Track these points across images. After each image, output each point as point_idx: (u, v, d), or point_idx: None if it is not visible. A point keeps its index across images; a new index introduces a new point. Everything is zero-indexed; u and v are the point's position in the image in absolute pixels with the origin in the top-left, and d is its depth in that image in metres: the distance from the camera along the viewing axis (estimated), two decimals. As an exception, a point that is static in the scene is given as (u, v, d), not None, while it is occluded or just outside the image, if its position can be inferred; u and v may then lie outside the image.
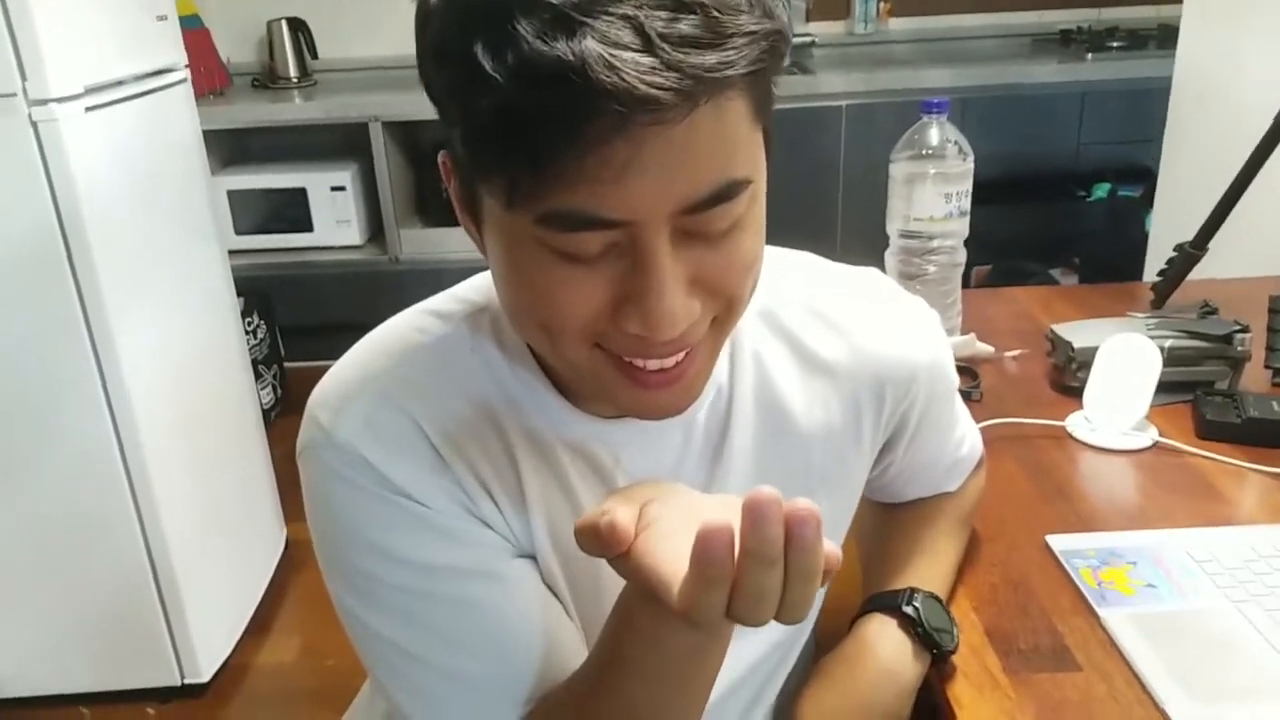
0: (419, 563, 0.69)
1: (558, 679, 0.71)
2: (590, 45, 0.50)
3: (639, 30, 0.51)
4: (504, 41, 0.51)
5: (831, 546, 0.53)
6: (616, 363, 0.63)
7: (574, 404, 0.72)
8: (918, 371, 0.81)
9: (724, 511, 0.52)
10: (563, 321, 0.60)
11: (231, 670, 2.12)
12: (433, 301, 0.75)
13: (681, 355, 0.63)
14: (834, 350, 0.78)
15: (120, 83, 1.85)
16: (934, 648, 0.83)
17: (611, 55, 0.50)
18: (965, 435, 0.94)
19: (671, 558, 0.54)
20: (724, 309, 0.63)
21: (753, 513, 0.50)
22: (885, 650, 0.83)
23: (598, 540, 0.55)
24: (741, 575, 0.51)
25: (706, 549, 0.50)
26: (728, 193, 0.57)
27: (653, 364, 0.62)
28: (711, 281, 0.60)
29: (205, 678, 2.04)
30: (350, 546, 0.69)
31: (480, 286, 0.75)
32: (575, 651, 0.72)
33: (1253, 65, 1.78)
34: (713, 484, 0.76)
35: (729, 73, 0.52)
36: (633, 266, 0.57)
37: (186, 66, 2.12)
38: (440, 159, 0.64)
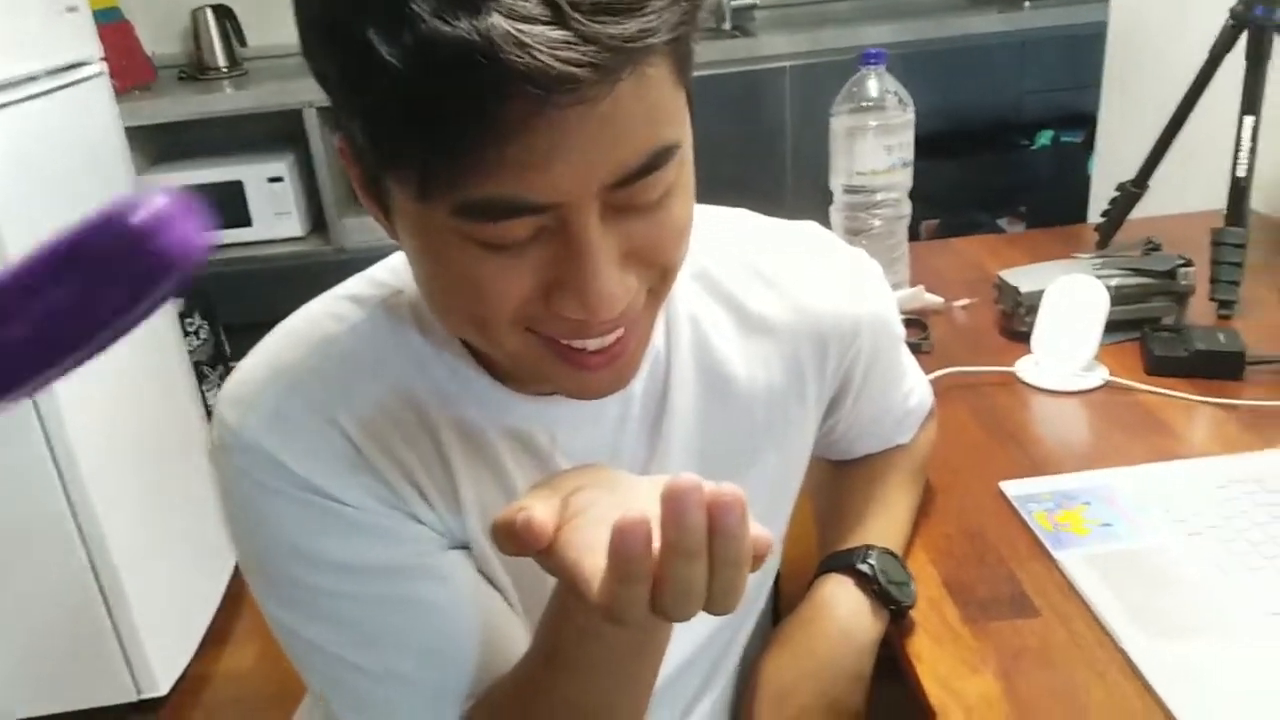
0: (344, 564, 0.65)
1: (501, 671, 0.68)
2: (495, 21, 0.46)
3: None
4: (399, 20, 0.46)
5: (760, 531, 0.50)
6: (553, 346, 0.59)
7: (504, 384, 0.68)
8: (861, 325, 0.78)
9: (657, 497, 0.48)
10: (492, 313, 0.57)
11: (191, 681, 2.07)
12: (347, 285, 0.71)
13: (620, 331, 0.60)
14: (773, 308, 0.76)
15: (32, 78, 1.78)
16: (892, 604, 0.81)
17: (519, 31, 0.46)
18: (914, 387, 0.92)
19: (596, 550, 0.50)
20: (659, 278, 0.60)
21: (672, 502, 0.47)
22: (842, 610, 0.81)
23: (514, 539, 0.51)
24: (663, 568, 0.48)
25: (622, 544, 0.47)
26: (657, 161, 0.53)
27: (592, 344, 0.59)
28: (646, 252, 0.57)
29: (163, 690, 1.98)
30: (270, 552, 0.66)
31: (396, 267, 0.71)
32: (517, 640, 0.69)
33: (1186, 5, 1.77)
34: (654, 455, 0.73)
35: (651, 40, 0.49)
36: (563, 249, 0.54)
37: (103, 60, 2.05)
38: (337, 142, 0.59)
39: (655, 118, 0.53)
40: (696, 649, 0.81)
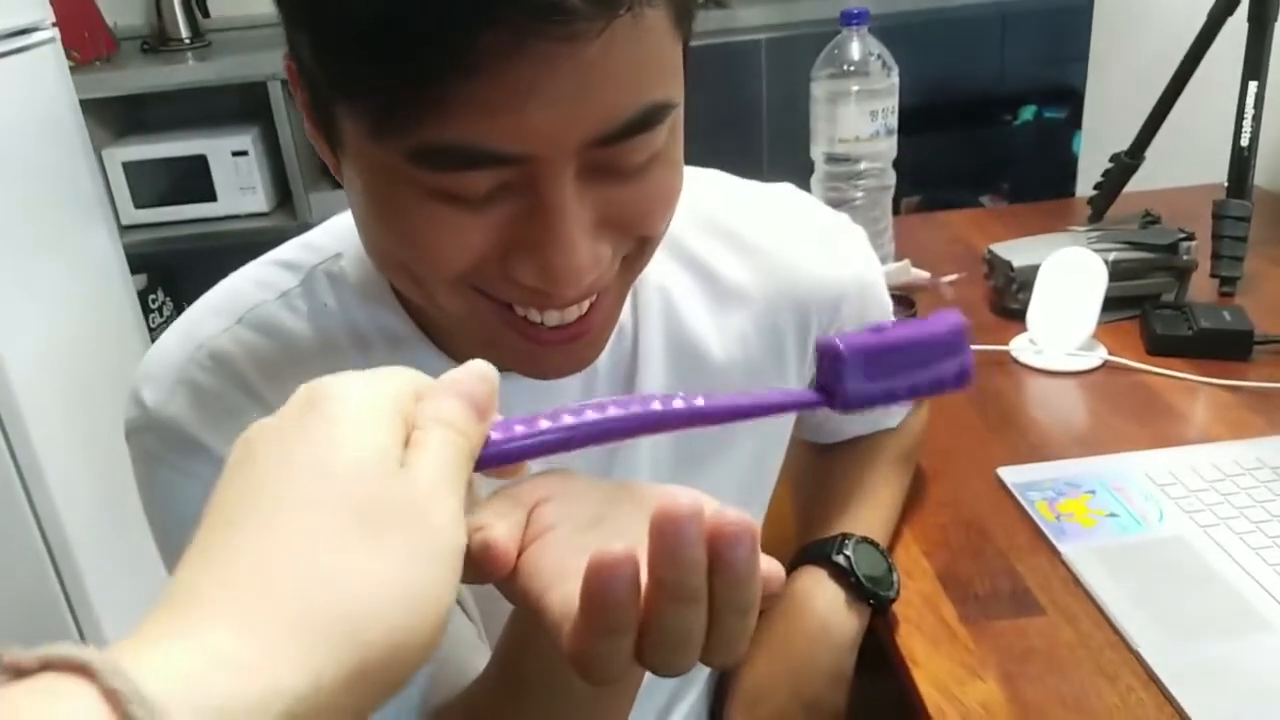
0: None
1: (455, 683, 0.60)
2: None
3: None
4: None
5: (771, 565, 0.40)
6: (503, 315, 0.52)
7: (452, 357, 0.61)
8: (844, 291, 0.71)
9: (640, 513, 0.39)
10: (434, 268, 0.49)
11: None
12: (280, 251, 0.64)
13: (584, 307, 0.52)
14: (747, 275, 0.69)
15: (-30, 43, 1.69)
16: (871, 598, 0.75)
17: None
18: None
19: (567, 578, 0.40)
20: (636, 249, 0.53)
21: (665, 533, 0.36)
22: (818, 605, 0.75)
23: (470, 565, 0.39)
24: (653, 615, 0.37)
25: (601, 588, 0.36)
26: (647, 120, 0.47)
27: (550, 318, 0.52)
28: (624, 221, 0.50)
29: (124, 680, 1.92)
30: (185, 543, 0.58)
31: (335, 230, 0.64)
32: (473, 648, 0.62)
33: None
34: (621, 444, 0.66)
35: None
36: (529, 209, 0.47)
37: (54, 25, 1.95)
38: (284, 62, 0.52)
39: (649, 70, 0.46)
40: None
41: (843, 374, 0.41)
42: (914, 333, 0.42)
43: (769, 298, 0.69)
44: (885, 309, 0.78)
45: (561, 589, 0.40)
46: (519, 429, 0.39)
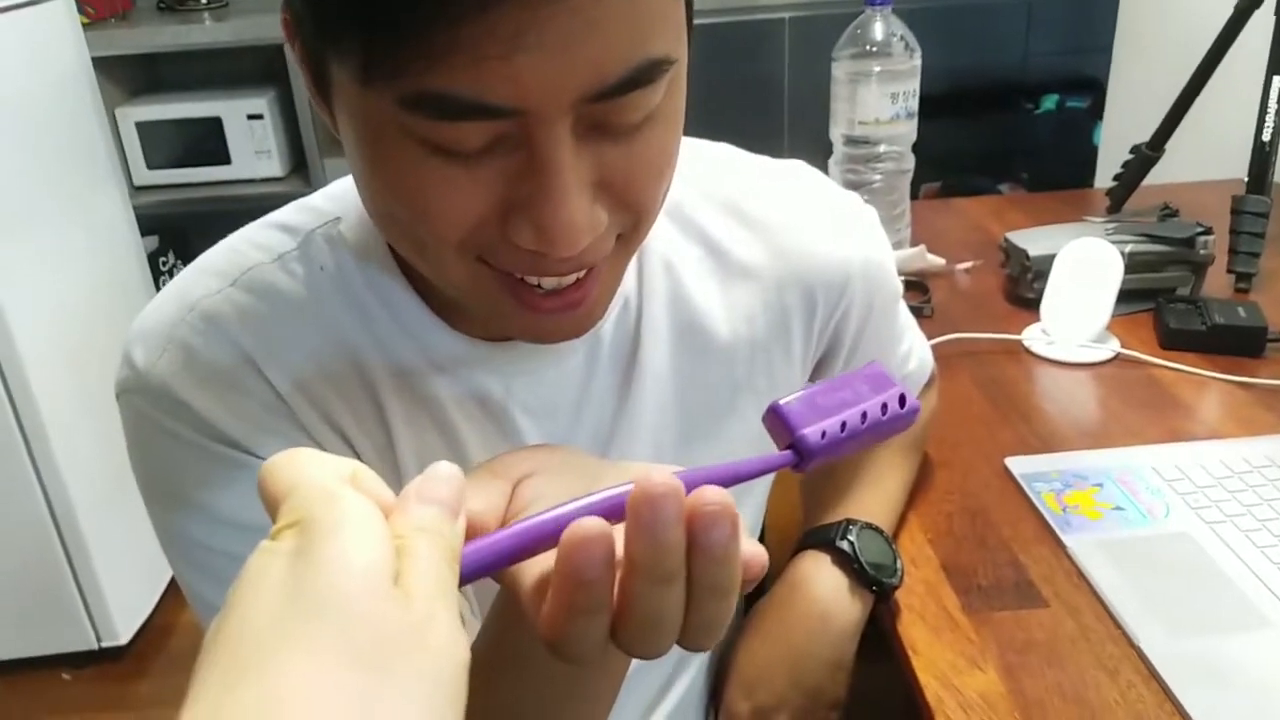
0: (255, 526, 0.56)
1: None
2: None
3: None
4: None
5: (753, 549, 0.40)
6: (504, 280, 0.51)
7: (452, 325, 0.61)
8: (851, 272, 0.70)
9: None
10: (437, 230, 0.48)
11: (153, 631, 2.01)
12: (279, 213, 0.63)
13: (581, 274, 0.52)
14: (755, 251, 0.68)
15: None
16: (873, 584, 0.74)
17: None
18: (912, 349, 0.84)
19: (546, 559, 0.39)
20: (631, 223, 0.52)
21: (641, 512, 0.36)
22: (820, 591, 0.74)
23: None
24: (628, 596, 0.37)
25: (572, 563, 0.35)
26: (645, 75, 0.45)
27: (548, 283, 0.51)
28: (619, 185, 0.49)
29: (124, 640, 1.93)
30: (174, 508, 0.59)
31: (336, 193, 0.63)
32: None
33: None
34: (623, 412, 0.66)
35: None
36: (525, 166, 0.46)
37: (67, -20, 1.95)
38: (282, 14, 0.51)
39: (647, 23, 0.44)
40: None
41: (792, 423, 0.44)
42: (838, 379, 0.46)
43: (778, 276, 0.68)
44: (894, 292, 0.77)
45: (541, 566, 0.40)
46: (498, 533, 0.38)
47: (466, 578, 0.36)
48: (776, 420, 0.44)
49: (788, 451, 0.44)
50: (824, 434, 0.43)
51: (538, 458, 0.46)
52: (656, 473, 0.36)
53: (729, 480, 0.40)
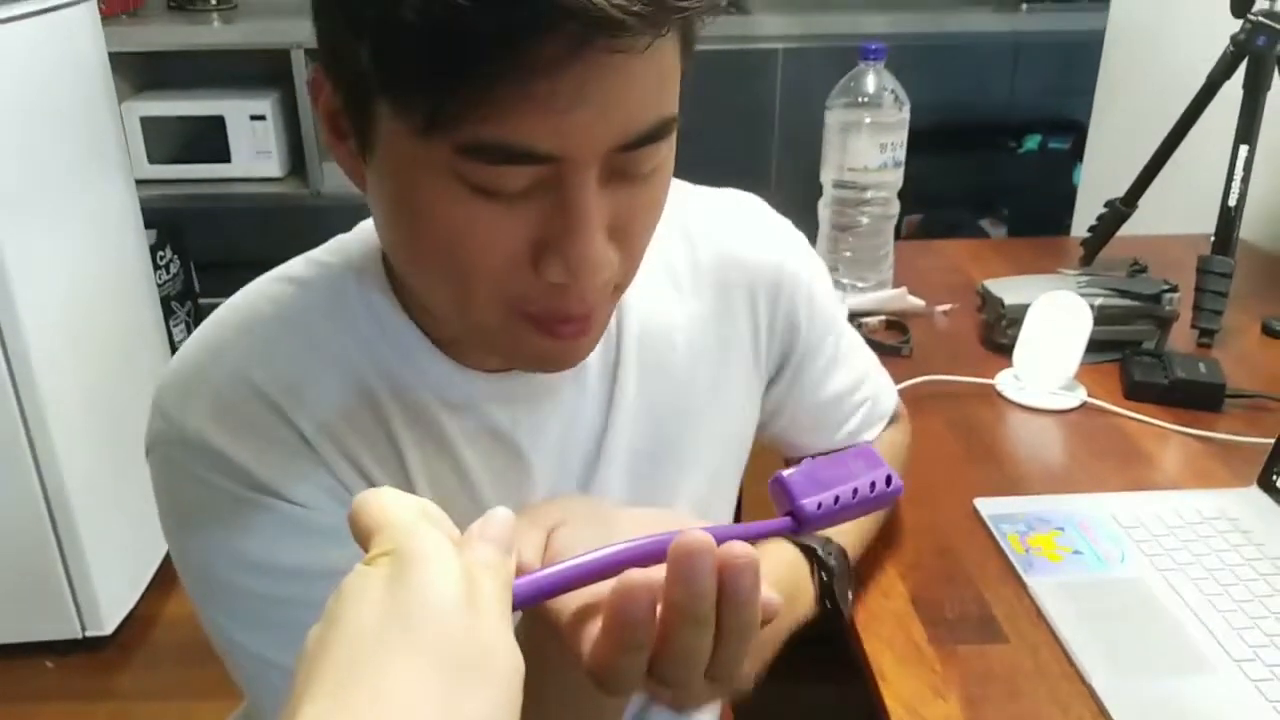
0: (292, 569, 0.60)
1: None
2: None
3: None
4: None
5: (770, 595, 0.48)
6: (531, 319, 0.57)
7: (459, 362, 0.66)
8: (781, 271, 0.77)
9: (644, 534, 0.47)
10: (476, 267, 0.54)
11: (137, 622, 2.04)
12: (286, 267, 0.68)
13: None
14: (700, 265, 0.75)
15: (18, -1, 1.73)
16: (827, 598, 0.75)
17: None
18: (867, 376, 0.88)
19: (584, 602, 0.47)
20: (624, 271, 0.58)
21: (681, 564, 0.44)
22: (782, 572, 0.74)
23: None
24: (667, 636, 0.45)
25: (624, 609, 0.43)
26: (661, 131, 0.53)
27: (573, 308, 0.58)
28: (624, 228, 0.56)
29: (108, 630, 1.96)
30: (212, 558, 0.61)
31: (338, 248, 0.68)
32: None
33: (1185, 20, 1.76)
34: (607, 433, 0.72)
35: (696, 6, 0.49)
36: (556, 207, 0.52)
37: (91, -18, 1.99)
38: (312, 74, 0.56)
39: (666, 86, 0.52)
40: None
41: (793, 493, 0.51)
42: (836, 457, 0.54)
43: (722, 282, 0.75)
44: (830, 309, 0.82)
45: (579, 600, 0.47)
46: (541, 572, 0.45)
47: (517, 606, 0.43)
48: (779, 489, 0.52)
49: (787, 518, 0.51)
50: (820, 505, 0.51)
51: (566, 507, 0.54)
52: (693, 528, 0.44)
53: (739, 539, 0.47)
